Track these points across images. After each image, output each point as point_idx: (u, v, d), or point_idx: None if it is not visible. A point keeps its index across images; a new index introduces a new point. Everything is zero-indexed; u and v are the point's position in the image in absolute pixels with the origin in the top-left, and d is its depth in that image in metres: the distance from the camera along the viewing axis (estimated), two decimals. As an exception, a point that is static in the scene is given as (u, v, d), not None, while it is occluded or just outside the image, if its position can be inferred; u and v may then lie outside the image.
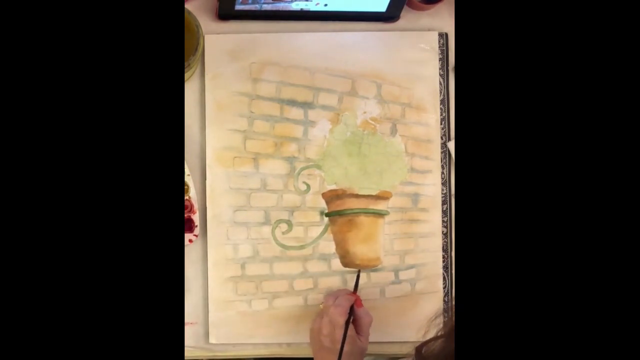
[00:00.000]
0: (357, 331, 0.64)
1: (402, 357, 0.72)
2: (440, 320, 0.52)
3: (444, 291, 0.72)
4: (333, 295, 0.65)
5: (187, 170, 0.69)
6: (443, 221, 0.72)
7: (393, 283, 0.72)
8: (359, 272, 0.69)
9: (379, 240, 0.72)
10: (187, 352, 0.70)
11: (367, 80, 0.72)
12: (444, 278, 0.72)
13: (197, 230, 0.69)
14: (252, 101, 0.71)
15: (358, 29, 0.73)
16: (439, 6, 0.73)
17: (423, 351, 0.51)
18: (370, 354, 0.72)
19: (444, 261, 0.72)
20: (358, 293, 0.66)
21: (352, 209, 0.71)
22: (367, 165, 0.72)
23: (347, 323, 0.62)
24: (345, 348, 0.61)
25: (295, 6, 0.70)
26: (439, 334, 0.51)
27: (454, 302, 0.71)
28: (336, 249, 0.71)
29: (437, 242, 0.72)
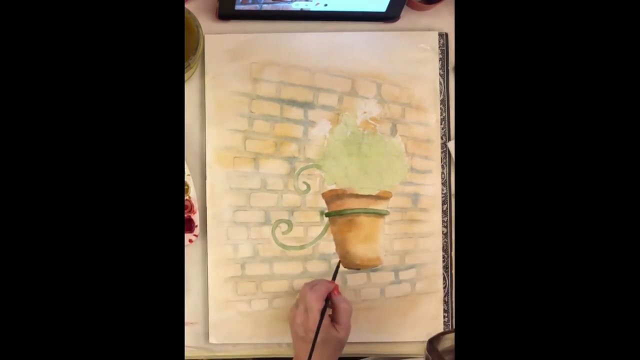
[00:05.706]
0: (335, 319, 0.61)
1: (404, 358, 0.72)
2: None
3: (444, 291, 0.72)
4: (310, 283, 0.63)
5: (187, 170, 0.69)
6: (443, 221, 0.72)
7: (393, 283, 0.72)
8: (339, 262, 0.69)
9: (379, 240, 0.72)
10: (187, 352, 0.70)
11: (367, 80, 0.72)
12: (444, 278, 0.72)
13: (197, 230, 0.69)
14: (252, 101, 0.71)
15: (358, 29, 0.73)
16: (439, 6, 0.73)
17: (439, 347, 0.49)
18: (370, 354, 0.72)
19: (444, 261, 0.72)
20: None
21: (352, 209, 0.71)
22: (367, 165, 0.72)
23: (322, 311, 0.60)
24: (318, 337, 0.58)
25: (295, 6, 0.70)
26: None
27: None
28: (336, 249, 0.71)
29: (437, 242, 0.72)
